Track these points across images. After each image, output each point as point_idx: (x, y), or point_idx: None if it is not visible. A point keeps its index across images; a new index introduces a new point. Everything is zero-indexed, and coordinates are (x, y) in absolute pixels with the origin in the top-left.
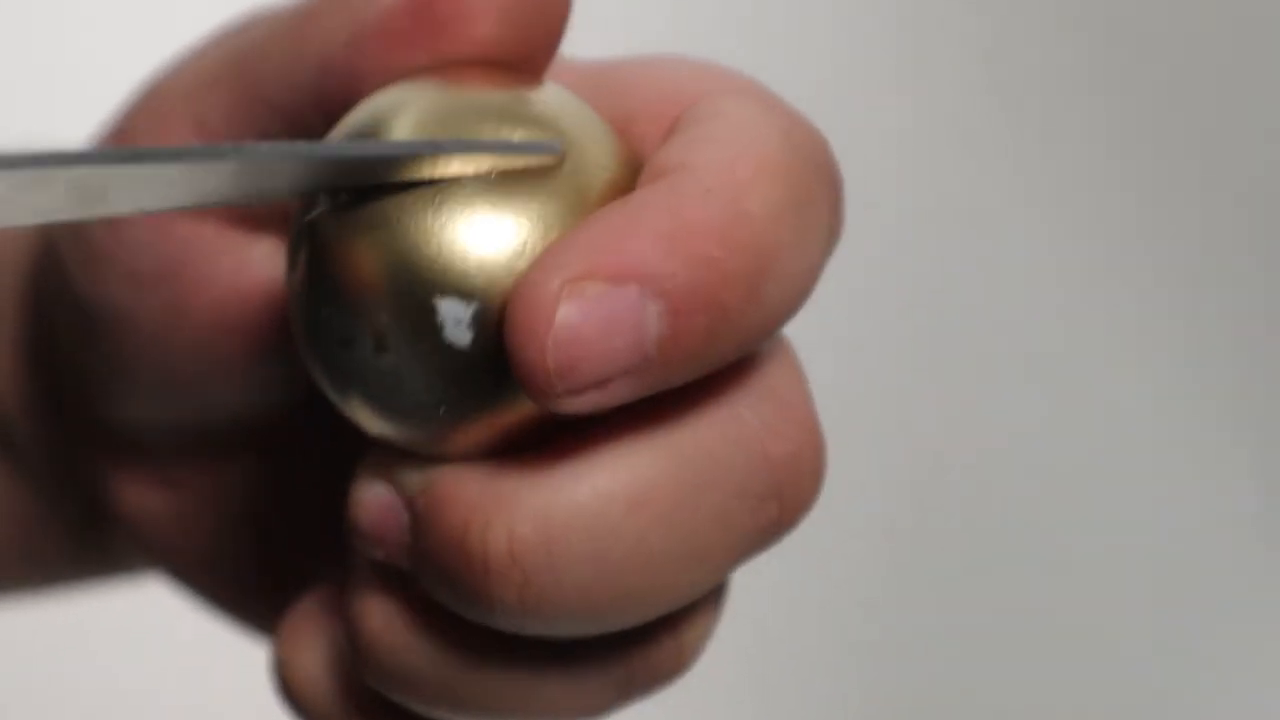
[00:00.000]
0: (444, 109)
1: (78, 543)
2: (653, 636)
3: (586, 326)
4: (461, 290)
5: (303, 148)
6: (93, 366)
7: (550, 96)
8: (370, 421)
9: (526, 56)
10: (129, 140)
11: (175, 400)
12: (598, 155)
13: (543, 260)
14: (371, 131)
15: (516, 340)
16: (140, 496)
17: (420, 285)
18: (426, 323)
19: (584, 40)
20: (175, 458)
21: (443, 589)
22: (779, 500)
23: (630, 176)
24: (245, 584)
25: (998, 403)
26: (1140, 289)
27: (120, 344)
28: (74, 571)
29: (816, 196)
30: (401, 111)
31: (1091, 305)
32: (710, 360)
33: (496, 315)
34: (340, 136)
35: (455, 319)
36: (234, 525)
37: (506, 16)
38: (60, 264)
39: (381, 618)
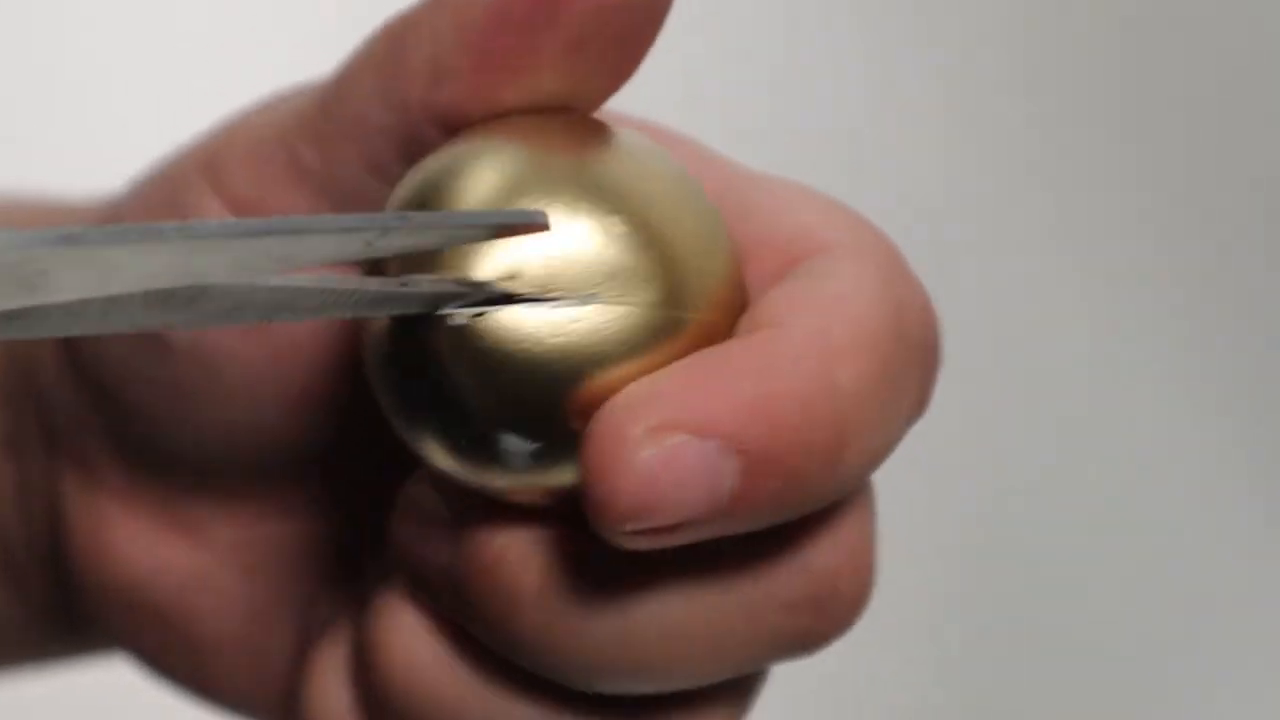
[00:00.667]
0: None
1: (33, 621)
2: (668, 710)
3: (665, 476)
4: (550, 407)
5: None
6: (138, 399)
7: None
8: (442, 459)
9: (611, 73)
10: (223, 182)
11: (207, 434)
12: (701, 281)
13: (629, 400)
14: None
15: (591, 476)
16: (157, 548)
17: (518, 398)
18: (515, 427)
19: None
20: (202, 502)
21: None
22: (815, 612)
23: (731, 304)
24: (256, 648)
25: (999, 404)
26: (1141, 289)
27: (173, 376)
28: (31, 655)
29: (909, 374)
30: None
31: (1093, 307)
32: (779, 516)
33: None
34: (416, 186)
35: (532, 436)
36: (258, 577)
37: (597, 20)
38: None
39: (405, 649)
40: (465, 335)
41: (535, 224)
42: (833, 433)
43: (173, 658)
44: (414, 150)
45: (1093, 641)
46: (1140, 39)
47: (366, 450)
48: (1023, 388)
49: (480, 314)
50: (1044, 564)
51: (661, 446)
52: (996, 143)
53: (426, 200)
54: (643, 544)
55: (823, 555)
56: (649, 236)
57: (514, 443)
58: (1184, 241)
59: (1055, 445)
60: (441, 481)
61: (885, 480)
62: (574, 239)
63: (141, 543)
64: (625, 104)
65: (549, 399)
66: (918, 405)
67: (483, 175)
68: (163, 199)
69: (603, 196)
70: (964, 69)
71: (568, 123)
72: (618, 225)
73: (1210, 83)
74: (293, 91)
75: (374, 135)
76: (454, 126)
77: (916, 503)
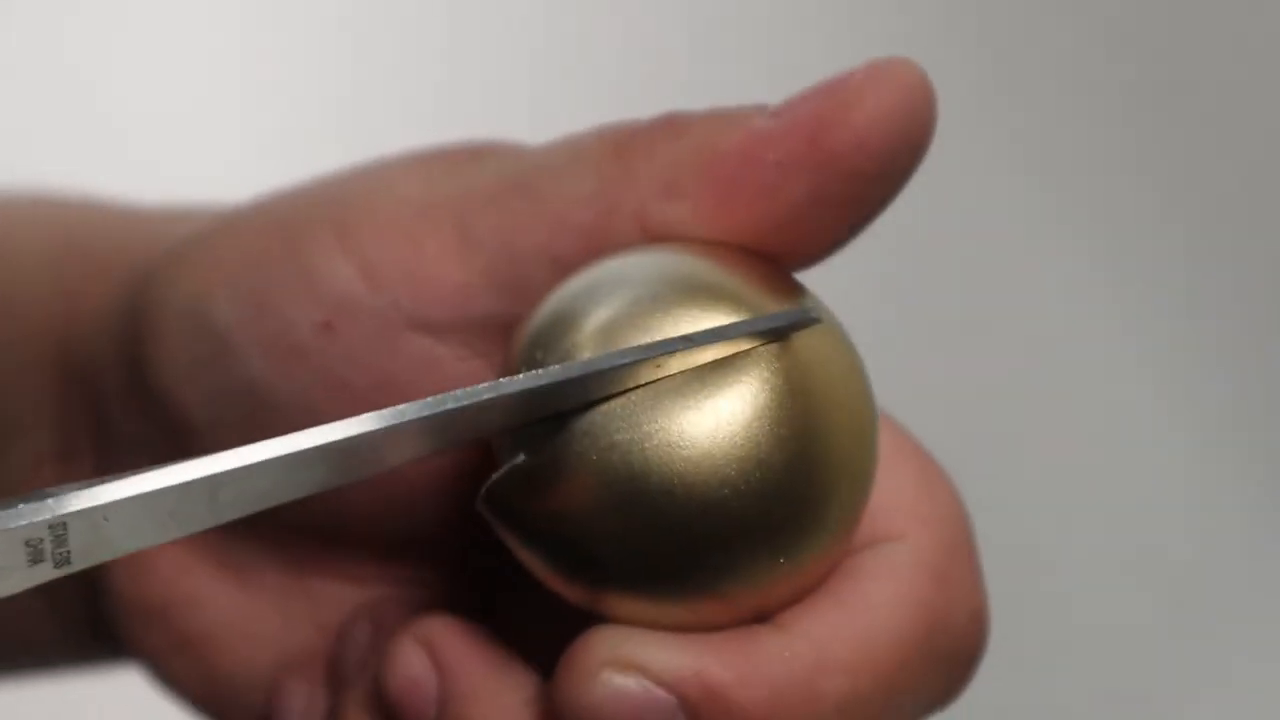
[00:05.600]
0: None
1: (58, 627)
2: None
3: (611, 704)
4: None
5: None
6: (211, 442)
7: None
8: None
9: (846, 223)
10: (358, 243)
11: (293, 506)
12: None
13: (614, 628)
14: (598, 299)
15: (556, 674)
16: (196, 576)
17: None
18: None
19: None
20: (261, 550)
21: None
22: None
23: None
24: (255, 680)
25: (999, 403)
26: (1142, 289)
27: (259, 429)
28: (40, 659)
29: (915, 692)
30: (635, 283)
31: (1093, 306)
32: None
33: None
34: (564, 296)
35: None
36: (299, 626)
37: (895, 141)
38: (227, 342)
39: None
40: (596, 459)
41: (807, 321)
42: None
43: (190, 682)
44: (601, 251)
45: (1092, 641)
46: (1146, 39)
47: (438, 545)
48: (1023, 388)
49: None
50: (1043, 563)
51: (622, 680)
52: (997, 142)
53: (579, 304)
54: None
55: None
56: (814, 460)
57: (628, 570)
58: (1186, 242)
59: (1054, 444)
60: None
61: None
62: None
63: (184, 570)
64: (628, 104)
65: (662, 534)
66: (936, 704)
67: (635, 284)
68: (284, 251)
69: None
70: (966, 68)
71: (745, 255)
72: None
73: (1211, 83)
74: (434, 157)
75: (573, 230)
76: (660, 238)
77: None
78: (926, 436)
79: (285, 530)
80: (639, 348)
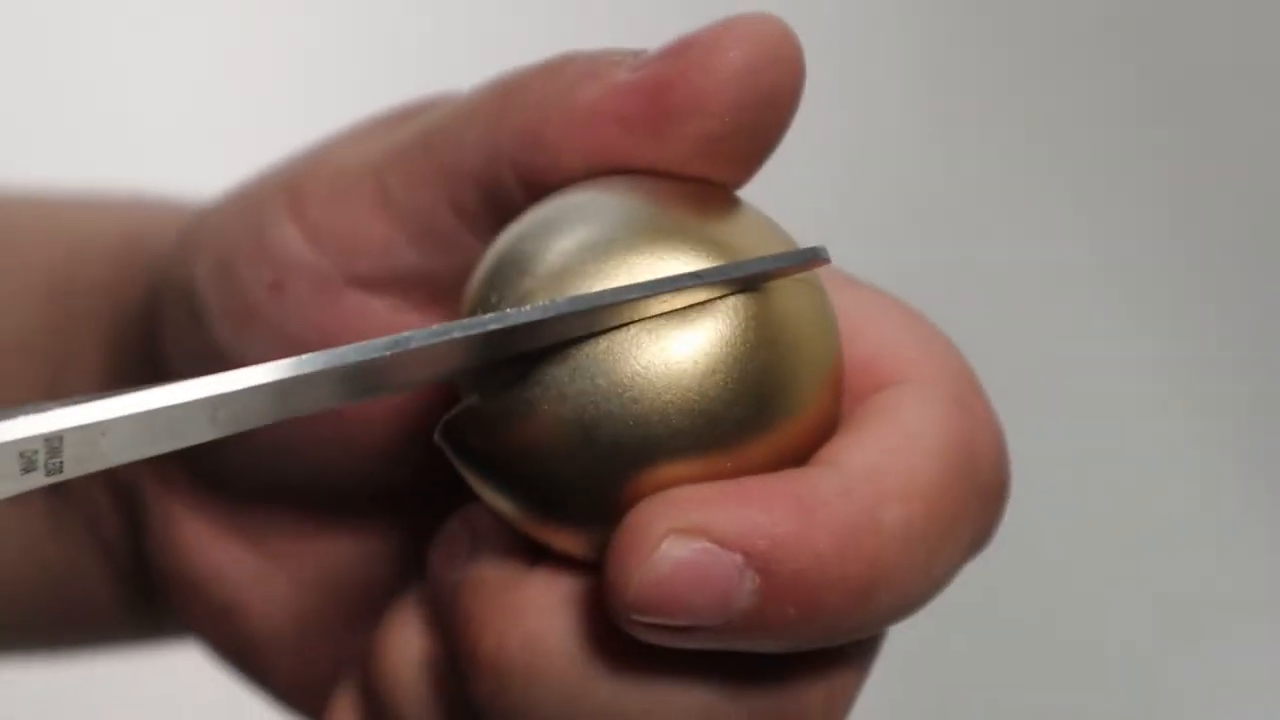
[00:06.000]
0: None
1: (117, 597)
2: None
3: (676, 576)
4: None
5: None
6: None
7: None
8: (510, 514)
9: (743, 167)
10: (303, 208)
11: (285, 462)
12: (797, 389)
13: (669, 497)
14: (552, 240)
15: (611, 560)
16: (217, 552)
17: (585, 475)
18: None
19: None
20: (267, 515)
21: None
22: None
23: (821, 416)
24: (303, 651)
25: (997, 405)
26: (1142, 286)
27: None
28: (105, 630)
29: (964, 516)
30: (590, 230)
31: (1092, 305)
32: (799, 644)
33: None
34: (514, 237)
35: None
36: (309, 590)
37: (739, 114)
38: (198, 311)
39: (400, 655)
40: (547, 409)
41: (819, 260)
42: (865, 568)
43: (230, 649)
44: (497, 199)
45: (1091, 641)
46: (1149, 40)
47: (427, 495)
48: (1022, 385)
49: (562, 394)
50: (1042, 564)
51: (685, 548)
52: (999, 142)
53: (530, 245)
54: (652, 637)
55: (806, 696)
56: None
57: (575, 512)
58: (1186, 242)
59: (1054, 444)
60: (506, 525)
61: None
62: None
63: (205, 542)
64: None
65: (612, 480)
66: (976, 543)
67: (605, 229)
68: (242, 221)
69: (702, 242)
70: (970, 66)
71: (694, 187)
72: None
73: (1212, 84)
74: (375, 122)
75: (466, 179)
76: (536, 191)
77: None
78: None
79: (286, 493)
80: (595, 294)
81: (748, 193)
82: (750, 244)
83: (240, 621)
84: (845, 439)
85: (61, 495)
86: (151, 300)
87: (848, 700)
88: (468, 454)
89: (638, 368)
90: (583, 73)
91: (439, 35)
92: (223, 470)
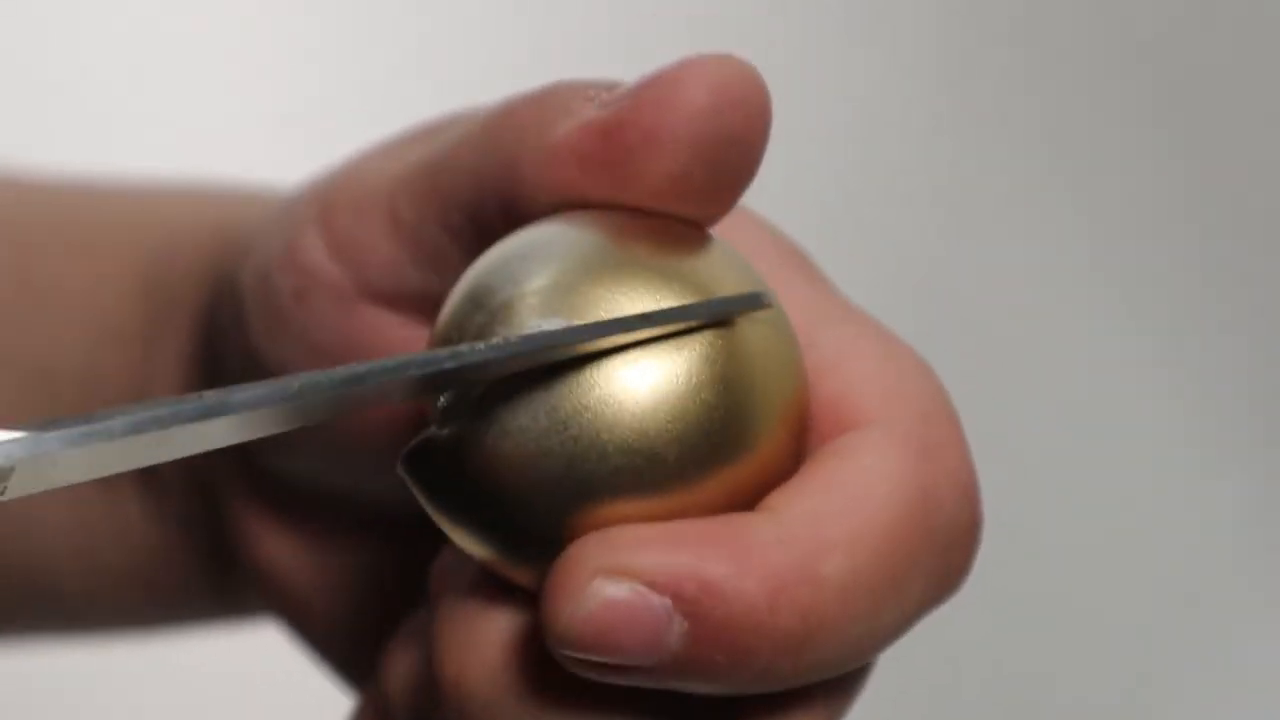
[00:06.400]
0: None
1: (202, 579)
2: None
3: (604, 615)
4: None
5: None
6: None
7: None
8: (459, 539)
9: (712, 204)
10: (330, 220)
11: (332, 465)
12: (751, 428)
13: (606, 536)
14: (513, 278)
15: (544, 597)
16: (276, 545)
17: (530, 511)
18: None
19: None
20: (320, 516)
21: None
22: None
23: (776, 458)
24: (358, 643)
25: (998, 403)
26: (1141, 284)
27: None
28: (192, 610)
29: (916, 567)
30: (547, 264)
31: (1092, 305)
32: (736, 689)
33: None
34: (484, 273)
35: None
36: (360, 590)
37: (696, 156)
38: (242, 313)
39: (472, 655)
40: (495, 444)
41: (758, 305)
42: (798, 621)
43: (295, 634)
44: (482, 227)
45: (1091, 641)
46: (1151, 41)
47: None
48: (1022, 385)
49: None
50: (1042, 564)
51: (615, 588)
52: (998, 142)
53: (489, 280)
54: (586, 673)
55: None
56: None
57: (524, 548)
58: (1186, 242)
59: (1054, 444)
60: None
61: None
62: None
63: (268, 535)
64: None
65: (555, 518)
66: (938, 592)
67: (562, 265)
68: (280, 228)
69: (665, 275)
70: (970, 66)
71: (661, 223)
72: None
73: (1212, 85)
74: (402, 138)
75: (458, 205)
76: (515, 222)
77: None
78: None
79: (340, 495)
80: (544, 334)
81: (759, 191)
82: (710, 281)
83: (299, 614)
84: (792, 485)
85: (151, 481)
86: (220, 296)
87: None
88: (427, 485)
89: (580, 405)
90: (559, 107)
91: (457, 35)
92: (280, 469)
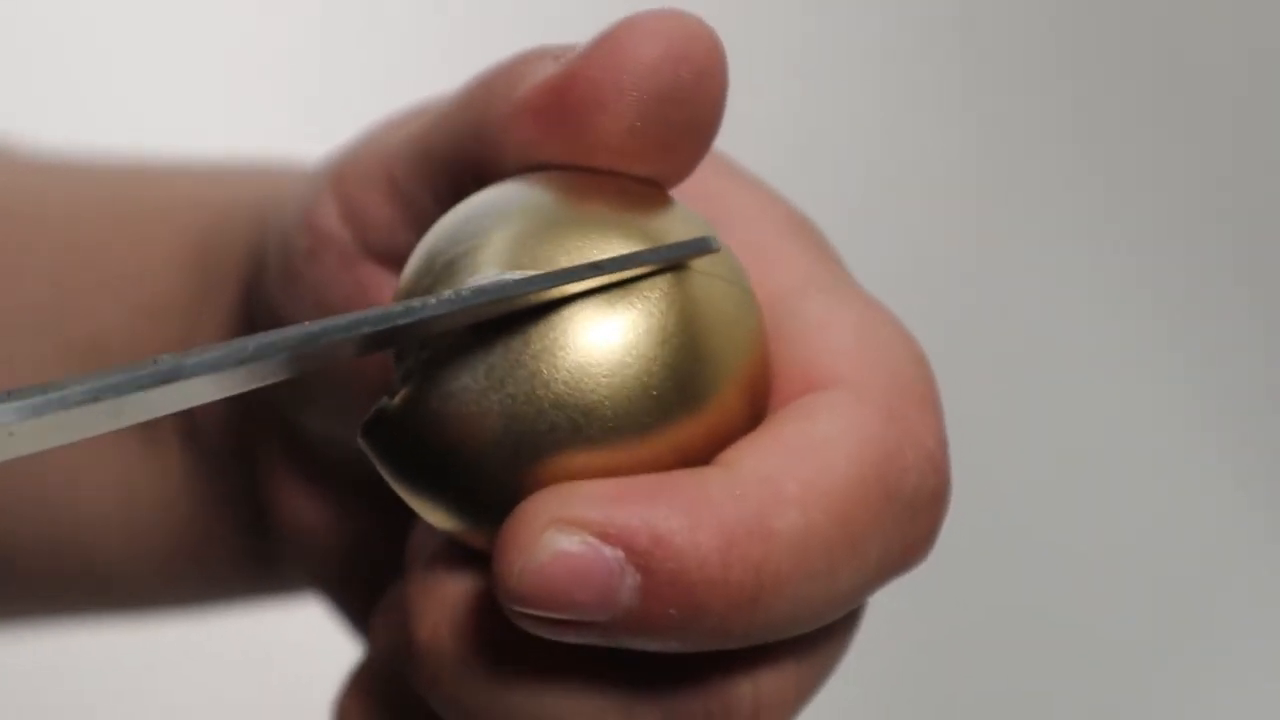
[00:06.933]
0: (549, 228)
1: (245, 549)
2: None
3: (555, 567)
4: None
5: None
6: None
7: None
8: (417, 506)
9: (667, 161)
10: (342, 187)
11: (350, 424)
12: (703, 387)
13: (557, 490)
14: (465, 237)
15: (496, 551)
16: (303, 508)
17: (481, 467)
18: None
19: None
20: (344, 481)
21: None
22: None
23: (727, 423)
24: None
25: (997, 405)
26: (1141, 282)
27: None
28: (236, 582)
29: (876, 528)
30: (498, 222)
31: (1092, 307)
32: (689, 644)
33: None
34: (439, 234)
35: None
36: (384, 552)
37: (645, 112)
38: (265, 272)
39: (438, 619)
40: (444, 406)
41: (706, 249)
42: (751, 577)
43: (331, 597)
44: (460, 191)
45: (1090, 642)
46: (1154, 42)
47: None
48: (1022, 386)
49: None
50: (1042, 565)
51: (567, 541)
52: (998, 141)
53: (443, 241)
54: (540, 630)
55: (728, 697)
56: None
57: (479, 510)
58: (1186, 244)
59: (1053, 444)
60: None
61: None
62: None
63: (301, 501)
64: None
65: (509, 476)
66: (900, 558)
67: (512, 222)
68: (298, 197)
69: (615, 228)
70: (971, 67)
71: (617, 182)
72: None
73: (1211, 84)
74: (414, 111)
75: (440, 170)
76: (491, 180)
77: None
78: None
79: (334, 460)
80: (492, 285)
81: (790, 184)
82: (663, 234)
83: (332, 580)
84: (751, 440)
85: (193, 448)
86: (256, 267)
87: (786, 701)
88: (384, 455)
89: (516, 361)
90: (525, 69)
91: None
92: (310, 430)
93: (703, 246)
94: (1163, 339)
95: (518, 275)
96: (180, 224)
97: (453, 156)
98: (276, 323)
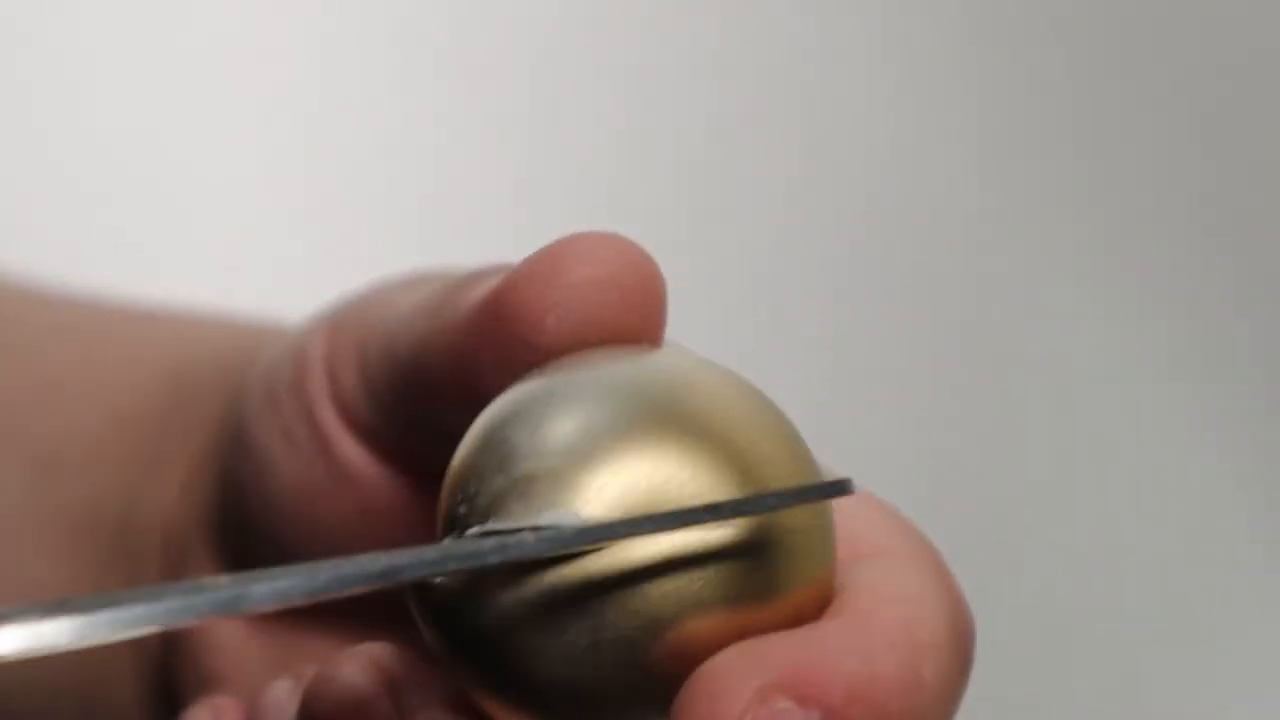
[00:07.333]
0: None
1: (142, 699)
2: None
3: None
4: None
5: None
6: (243, 499)
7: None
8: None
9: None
10: (332, 336)
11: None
12: (809, 546)
13: (736, 659)
14: (548, 450)
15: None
16: (246, 648)
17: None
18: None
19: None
20: (302, 627)
21: None
22: None
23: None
24: None
25: (998, 405)
26: (1140, 280)
27: (264, 490)
28: None
29: (961, 677)
30: (583, 438)
31: (1092, 300)
32: None
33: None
34: (495, 420)
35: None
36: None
37: (584, 329)
38: (245, 399)
39: None
40: (548, 578)
41: (843, 492)
42: None
43: None
44: (405, 392)
45: (1090, 643)
46: (1154, 43)
47: None
48: (1023, 386)
49: (563, 555)
50: (1043, 565)
51: (769, 710)
52: (997, 142)
53: (508, 433)
54: None
55: None
56: (750, 469)
57: (593, 691)
58: (1185, 244)
59: (1053, 445)
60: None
61: (883, 480)
62: (669, 474)
63: (236, 640)
64: (636, 94)
65: (637, 645)
66: (958, 708)
67: (562, 412)
68: (295, 332)
69: (701, 434)
70: (969, 69)
71: (637, 352)
72: (721, 460)
73: (1210, 85)
74: (398, 282)
75: (409, 360)
76: (443, 385)
77: (917, 504)
78: (922, 438)
79: (325, 611)
80: (601, 527)
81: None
82: (756, 455)
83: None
84: (865, 589)
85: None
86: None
87: None
88: (449, 629)
89: (608, 599)
90: (474, 281)
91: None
92: (244, 555)
93: (839, 489)
94: (1163, 339)
95: (624, 521)
96: (147, 350)
97: (410, 356)
98: (244, 450)
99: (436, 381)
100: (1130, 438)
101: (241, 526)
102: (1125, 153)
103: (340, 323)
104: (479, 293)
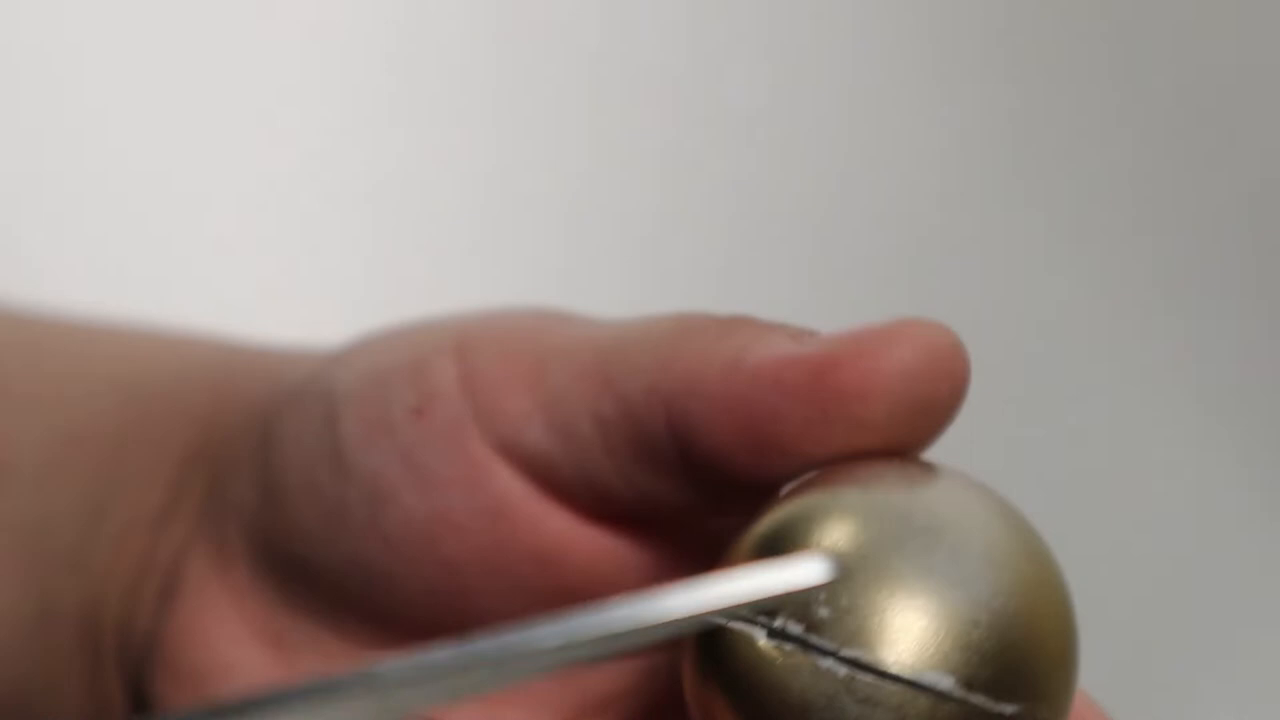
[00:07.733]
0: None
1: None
2: None
3: None
4: None
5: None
6: (303, 510)
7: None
8: None
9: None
10: (466, 353)
11: (353, 573)
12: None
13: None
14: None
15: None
16: (239, 648)
17: None
18: None
19: None
20: (315, 631)
21: None
22: None
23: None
24: None
25: (997, 405)
26: (1140, 278)
27: (345, 500)
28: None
29: None
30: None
31: (1091, 306)
32: None
33: None
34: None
35: None
36: None
37: (897, 413)
38: (335, 411)
39: None
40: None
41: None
42: None
43: None
44: (640, 432)
45: (1091, 639)
46: (1155, 43)
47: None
48: (1023, 387)
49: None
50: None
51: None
52: (995, 142)
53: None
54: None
55: None
56: (1013, 631)
57: None
58: (1185, 243)
59: (1053, 445)
60: None
61: None
62: (918, 604)
63: (233, 639)
64: (628, 95)
65: None
66: None
67: (848, 527)
68: (403, 348)
69: (976, 573)
70: (964, 67)
71: (907, 470)
72: (983, 607)
73: (1209, 84)
74: (524, 312)
75: (620, 398)
76: (680, 437)
77: None
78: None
79: (338, 607)
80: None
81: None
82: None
83: None
84: None
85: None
86: (247, 421)
87: None
88: (727, 681)
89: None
90: (754, 335)
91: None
92: (281, 559)
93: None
94: (1163, 337)
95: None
96: (100, 365)
97: (640, 391)
98: (341, 474)
99: (695, 425)
100: (1130, 438)
101: (309, 553)
102: (1125, 153)
103: (472, 345)
104: (783, 350)
